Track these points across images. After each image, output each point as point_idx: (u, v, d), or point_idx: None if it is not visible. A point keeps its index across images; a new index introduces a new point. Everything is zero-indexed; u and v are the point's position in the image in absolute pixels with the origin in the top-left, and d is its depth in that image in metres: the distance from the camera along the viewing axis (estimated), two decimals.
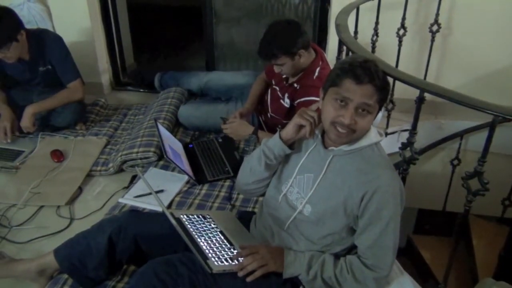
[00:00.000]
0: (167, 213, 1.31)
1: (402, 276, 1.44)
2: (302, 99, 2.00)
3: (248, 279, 1.25)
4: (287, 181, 1.36)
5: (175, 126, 2.52)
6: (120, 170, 2.18)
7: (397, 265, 1.46)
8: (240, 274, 1.26)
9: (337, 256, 1.31)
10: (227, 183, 2.04)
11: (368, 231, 1.22)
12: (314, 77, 2.00)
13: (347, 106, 1.17)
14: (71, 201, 1.97)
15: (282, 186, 1.37)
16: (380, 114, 2.38)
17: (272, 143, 1.33)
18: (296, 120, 1.28)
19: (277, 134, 1.32)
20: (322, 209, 1.27)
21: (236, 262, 1.29)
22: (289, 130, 1.30)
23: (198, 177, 2.06)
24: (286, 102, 2.12)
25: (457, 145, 2.80)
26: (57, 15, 2.87)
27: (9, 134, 2.32)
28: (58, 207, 1.93)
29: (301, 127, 1.28)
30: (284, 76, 2.13)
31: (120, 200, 1.92)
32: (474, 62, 2.76)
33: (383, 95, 1.19)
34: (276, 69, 2.05)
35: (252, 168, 1.39)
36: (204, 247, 1.32)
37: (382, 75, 1.18)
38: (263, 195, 1.48)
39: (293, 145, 1.35)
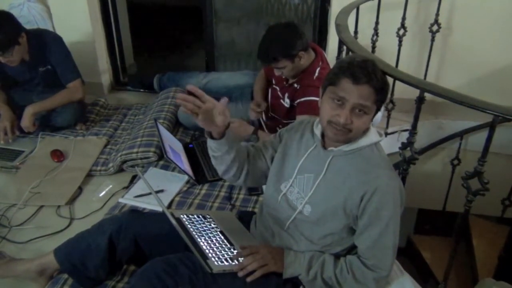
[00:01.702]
0: (167, 213, 1.31)
1: (402, 276, 1.44)
2: (302, 99, 2.00)
3: (248, 279, 1.25)
4: (287, 180, 1.35)
5: (175, 126, 2.52)
6: (120, 170, 2.18)
7: (397, 265, 1.46)
8: (240, 274, 1.26)
9: (337, 256, 1.31)
10: (227, 183, 2.04)
11: (367, 231, 1.22)
12: (314, 77, 2.00)
13: (344, 105, 1.17)
14: (71, 201, 1.97)
15: (281, 185, 1.37)
16: (380, 114, 2.40)
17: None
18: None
19: None
20: (322, 209, 1.27)
21: (236, 262, 1.29)
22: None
23: (198, 177, 2.06)
24: (286, 102, 2.12)
25: (457, 145, 2.81)
26: (57, 15, 2.87)
27: (10, 134, 2.32)
28: (58, 207, 1.93)
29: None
30: (284, 77, 2.13)
31: (120, 200, 1.92)
32: (474, 62, 2.76)
33: (381, 96, 1.18)
34: (277, 72, 2.05)
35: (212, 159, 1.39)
36: (204, 247, 1.32)
37: (381, 76, 1.17)
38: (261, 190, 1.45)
39: (222, 134, 1.28)
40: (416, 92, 1.59)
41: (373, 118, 1.23)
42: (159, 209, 1.79)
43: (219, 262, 1.28)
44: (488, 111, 1.38)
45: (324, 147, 1.29)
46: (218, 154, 1.32)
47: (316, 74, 2.01)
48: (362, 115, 1.18)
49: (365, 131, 1.26)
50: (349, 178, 1.23)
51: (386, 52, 2.55)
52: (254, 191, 1.98)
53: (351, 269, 1.25)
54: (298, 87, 2.04)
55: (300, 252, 1.31)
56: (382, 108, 2.52)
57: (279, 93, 2.19)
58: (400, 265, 1.48)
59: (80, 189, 2.05)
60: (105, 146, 2.36)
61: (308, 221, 1.30)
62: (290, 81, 2.11)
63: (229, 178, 1.42)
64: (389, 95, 2.56)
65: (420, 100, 1.61)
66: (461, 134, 2.83)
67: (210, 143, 1.31)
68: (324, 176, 1.27)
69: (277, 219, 1.38)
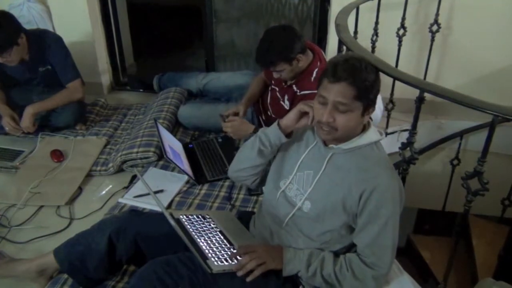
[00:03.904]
0: (166, 213, 1.31)
1: (402, 276, 1.44)
2: None
3: (248, 278, 1.25)
4: (286, 177, 1.36)
5: (175, 126, 2.51)
6: (120, 170, 2.18)
7: (397, 264, 1.46)
8: (239, 273, 1.26)
9: (336, 254, 1.31)
10: (227, 183, 2.04)
11: (366, 229, 1.22)
12: (312, 78, 2.00)
13: (326, 104, 1.19)
14: (71, 201, 1.97)
15: (280, 183, 1.37)
16: (380, 114, 2.40)
17: (270, 130, 1.35)
18: (299, 106, 1.30)
19: (276, 122, 1.35)
20: (321, 205, 1.27)
21: (235, 261, 1.29)
22: (290, 117, 1.33)
23: (198, 177, 2.06)
24: (286, 104, 2.12)
25: (457, 145, 2.80)
26: (57, 15, 2.87)
27: (17, 126, 2.30)
28: (58, 207, 1.93)
29: (302, 115, 1.31)
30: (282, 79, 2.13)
31: (120, 200, 1.92)
32: (474, 62, 2.76)
33: (363, 92, 1.17)
34: (275, 75, 2.05)
35: (245, 154, 1.42)
36: (203, 247, 1.32)
37: (362, 72, 1.16)
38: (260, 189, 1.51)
39: (291, 135, 1.37)
40: (416, 92, 1.59)
41: (364, 116, 1.22)
42: (159, 209, 1.79)
43: (219, 262, 1.28)
44: (488, 111, 1.38)
45: (325, 144, 1.30)
46: (268, 150, 1.36)
47: (314, 75, 2.00)
48: (346, 112, 1.18)
49: (364, 129, 1.26)
50: (349, 175, 1.24)
51: (386, 52, 2.55)
52: (254, 191, 1.98)
53: (351, 267, 1.25)
54: (297, 91, 2.04)
55: (299, 249, 1.32)
56: (382, 108, 2.52)
57: (278, 94, 2.19)
58: (399, 264, 1.48)
59: (80, 189, 2.05)
60: (105, 146, 2.36)
61: (307, 218, 1.30)
62: (289, 82, 2.10)
63: (242, 176, 1.47)
64: (388, 95, 2.58)
65: (420, 100, 1.61)
66: (461, 134, 2.83)
67: (277, 139, 1.34)
68: (323, 172, 1.28)
69: (276, 217, 1.38)
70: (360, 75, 1.16)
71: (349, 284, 1.25)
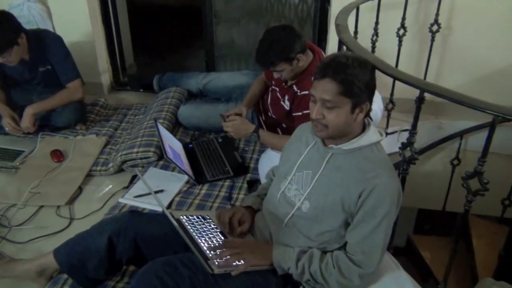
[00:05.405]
0: (168, 214, 1.31)
1: (399, 271, 1.43)
2: (299, 113, 1.99)
3: (233, 273, 1.25)
4: (285, 178, 1.37)
5: (175, 126, 2.52)
6: (120, 170, 2.18)
7: (393, 259, 1.45)
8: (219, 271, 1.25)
9: (325, 252, 1.30)
10: (227, 183, 2.04)
11: (360, 227, 1.23)
12: (312, 79, 2.00)
13: (316, 102, 1.22)
14: (71, 201, 1.97)
15: (281, 183, 1.38)
16: (379, 114, 2.39)
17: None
18: None
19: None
20: (321, 205, 1.27)
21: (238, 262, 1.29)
22: None
23: (198, 177, 2.06)
24: (286, 105, 2.11)
25: (457, 145, 2.81)
26: (57, 15, 2.87)
27: (18, 127, 2.31)
28: (58, 207, 1.93)
29: None
30: (282, 79, 2.13)
31: (120, 200, 1.92)
32: (474, 62, 2.76)
33: (348, 87, 1.18)
34: (275, 75, 2.04)
35: None
36: (204, 248, 1.32)
37: (348, 68, 1.17)
38: None
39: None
40: (416, 92, 1.59)
41: (354, 113, 1.21)
42: (159, 209, 1.79)
43: (220, 263, 1.28)
44: (488, 111, 1.38)
45: (325, 144, 1.30)
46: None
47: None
48: (334, 109, 1.20)
49: (364, 130, 1.26)
50: (348, 176, 1.24)
51: (386, 52, 2.54)
52: (254, 191, 1.97)
53: (337, 264, 1.25)
54: (297, 92, 2.03)
55: (290, 247, 1.32)
56: (382, 108, 2.52)
57: (278, 94, 2.19)
58: (396, 260, 1.47)
59: (80, 189, 2.05)
60: (105, 146, 2.36)
61: (306, 218, 1.31)
62: (289, 82, 2.10)
63: None
64: (388, 95, 2.58)
65: (420, 100, 1.61)
66: (461, 134, 2.83)
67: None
68: (322, 172, 1.28)
69: (276, 217, 1.39)
70: (345, 71, 1.17)
71: (335, 281, 1.25)
